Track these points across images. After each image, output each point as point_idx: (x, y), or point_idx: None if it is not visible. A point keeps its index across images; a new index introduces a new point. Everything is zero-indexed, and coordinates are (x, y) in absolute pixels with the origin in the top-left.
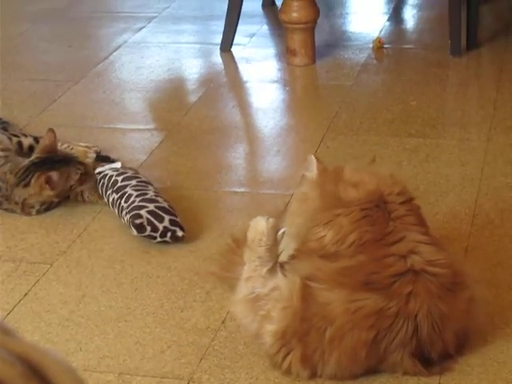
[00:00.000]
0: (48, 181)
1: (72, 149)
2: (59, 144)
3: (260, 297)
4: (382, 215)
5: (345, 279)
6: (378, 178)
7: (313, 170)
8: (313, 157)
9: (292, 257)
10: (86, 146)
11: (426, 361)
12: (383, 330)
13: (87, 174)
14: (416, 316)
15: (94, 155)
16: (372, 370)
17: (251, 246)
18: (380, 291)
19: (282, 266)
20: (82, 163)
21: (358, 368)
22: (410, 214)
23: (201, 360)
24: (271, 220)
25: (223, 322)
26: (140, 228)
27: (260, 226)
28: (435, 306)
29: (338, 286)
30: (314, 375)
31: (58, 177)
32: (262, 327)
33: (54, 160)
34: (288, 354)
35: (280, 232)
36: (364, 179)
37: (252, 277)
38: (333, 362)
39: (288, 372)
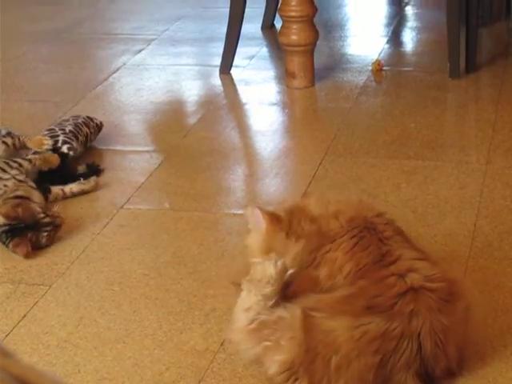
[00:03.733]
0: (17, 250)
1: (30, 140)
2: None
3: (266, 324)
4: (373, 237)
5: (346, 307)
6: (353, 203)
7: (259, 222)
8: (257, 209)
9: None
10: (42, 135)
11: (429, 379)
12: (389, 353)
13: (56, 229)
14: (419, 334)
15: (50, 142)
16: None
17: (256, 285)
18: (382, 313)
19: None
20: (48, 220)
21: None
22: (397, 233)
23: (199, 382)
24: (279, 263)
25: (222, 345)
26: None
27: (268, 269)
28: (437, 321)
29: (340, 314)
30: None
31: (26, 245)
32: (266, 356)
33: (20, 227)
34: (294, 382)
35: (289, 272)
36: (341, 207)
37: (254, 308)
38: None
39: None
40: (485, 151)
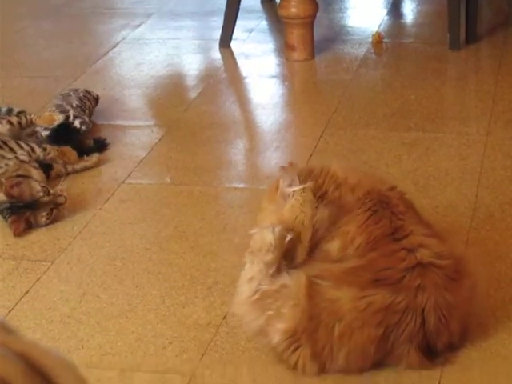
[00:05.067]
0: (11, 227)
1: (39, 117)
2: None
3: (268, 294)
4: (386, 211)
5: (353, 278)
6: (368, 176)
7: (295, 183)
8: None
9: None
10: (50, 110)
11: (431, 352)
12: (392, 325)
13: (57, 207)
14: (423, 309)
15: (61, 117)
16: (376, 364)
17: (256, 254)
18: (389, 286)
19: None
20: (47, 199)
21: (366, 363)
22: (409, 208)
23: (202, 356)
24: (277, 230)
25: (225, 318)
26: None
27: (267, 237)
28: (442, 297)
29: (346, 284)
30: (321, 371)
31: (20, 224)
32: (269, 325)
33: (19, 206)
34: (296, 350)
35: (287, 239)
36: (360, 181)
37: (256, 278)
38: (341, 357)
39: (295, 367)
40: (485, 122)
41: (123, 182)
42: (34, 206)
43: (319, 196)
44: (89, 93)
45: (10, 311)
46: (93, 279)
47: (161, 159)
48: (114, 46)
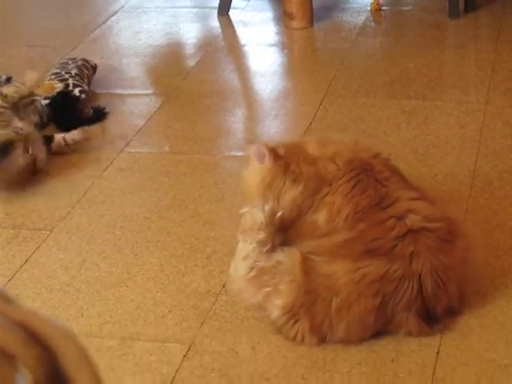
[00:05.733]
0: None
1: (39, 86)
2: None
3: (264, 271)
4: (371, 179)
5: (345, 251)
6: (349, 145)
7: (263, 158)
8: (262, 145)
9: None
10: (50, 79)
11: (430, 318)
12: (389, 294)
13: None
14: (420, 275)
15: (61, 86)
16: (376, 332)
17: (248, 233)
18: (382, 256)
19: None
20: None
21: (366, 333)
22: (394, 173)
23: (202, 324)
24: (267, 207)
25: (224, 287)
26: None
27: (258, 216)
28: (437, 261)
29: (340, 258)
30: (321, 342)
31: None
32: (267, 301)
33: None
34: (295, 324)
35: (278, 215)
36: (338, 149)
37: (251, 256)
38: (341, 329)
39: (294, 340)
40: (484, 91)
41: (122, 151)
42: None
43: (293, 179)
44: (87, 61)
45: (9, 280)
46: (92, 248)
47: (159, 128)
48: (112, 15)
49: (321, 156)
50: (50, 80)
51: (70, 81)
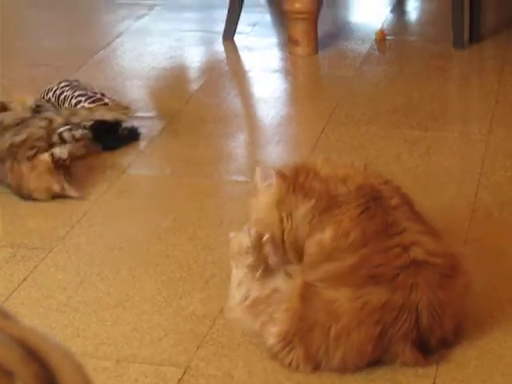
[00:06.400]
0: None
1: (11, 102)
2: None
3: (259, 300)
4: (380, 207)
5: (349, 277)
6: (359, 169)
7: (270, 178)
8: (266, 167)
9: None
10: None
11: (425, 348)
12: (388, 324)
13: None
14: (417, 307)
15: (32, 100)
16: (371, 361)
17: (237, 258)
18: (384, 284)
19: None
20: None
21: (362, 362)
22: (404, 203)
23: (198, 348)
24: (253, 231)
25: (221, 311)
26: None
27: (244, 241)
28: (434, 296)
29: (343, 285)
30: (316, 369)
31: None
32: (264, 330)
33: None
34: (290, 352)
35: (264, 238)
36: (349, 172)
37: (243, 282)
38: (338, 357)
39: (290, 367)
40: (487, 122)
41: (123, 173)
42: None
43: (304, 193)
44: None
45: (7, 299)
46: (90, 268)
47: (161, 151)
48: (117, 37)
49: (332, 176)
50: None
51: (107, 100)
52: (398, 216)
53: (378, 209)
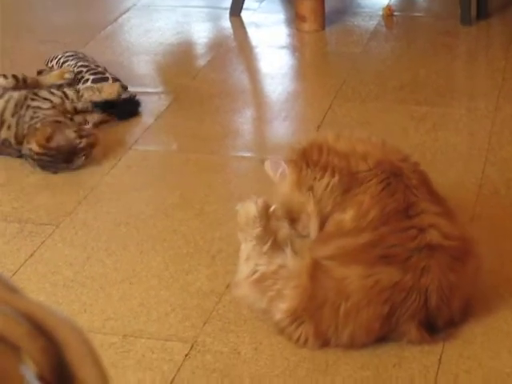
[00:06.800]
0: None
1: (49, 75)
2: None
3: (266, 275)
4: (400, 184)
5: (362, 255)
6: (378, 145)
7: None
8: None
9: (312, 242)
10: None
11: (432, 327)
12: (397, 303)
13: (92, 147)
14: (427, 289)
15: (71, 75)
16: (379, 338)
17: (245, 229)
18: (396, 265)
19: (292, 243)
20: (84, 145)
21: (370, 339)
22: (422, 182)
23: (205, 323)
24: (260, 200)
25: (228, 287)
26: None
27: (250, 210)
28: (445, 279)
29: (355, 262)
30: (325, 346)
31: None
32: (272, 306)
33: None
34: (299, 327)
35: (271, 209)
36: (368, 149)
37: (251, 256)
38: (346, 334)
39: (297, 342)
40: (494, 98)
41: (130, 148)
42: (73, 153)
43: (321, 167)
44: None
45: (14, 274)
46: (97, 244)
47: (168, 126)
48: (124, 13)
49: (351, 152)
50: (112, 79)
51: (107, 74)
52: (418, 196)
53: (399, 185)
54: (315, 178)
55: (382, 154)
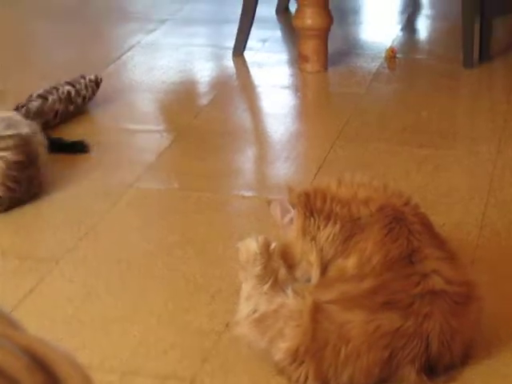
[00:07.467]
0: None
1: None
2: None
3: (266, 315)
4: (403, 229)
5: (365, 301)
6: (380, 190)
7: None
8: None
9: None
10: None
11: (431, 371)
12: (398, 349)
13: None
14: (428, 335)
15: None
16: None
17: (246, 267)
18: (398, 310)
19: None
20: None
21: (370, 382)
22: (425, 225)
23: (203, 362)
24: (261, 238)
25: (227, 325)
26: None
27: (251, 247)
28: (447, 324)
29: (358, 307)
30: None
31: None
32: (272, 345)
33: None
34: (299, 367)
35: (272, 246)
36: (370, 194)
37: (252, 295)
38: (346, 376)
39: (297, 381)
40: (496, 141)
41: (131, 186)
42: None
43: (325, 216)
44: (82, 77)
45: (13, 310)
46: (97, 281)
47: (169, 164)
48: (128, 50)
49: (352, 198)
50: None
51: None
52: (421, 241)
53: (402, 230)
54: (319, 228)
55: (384, 199)
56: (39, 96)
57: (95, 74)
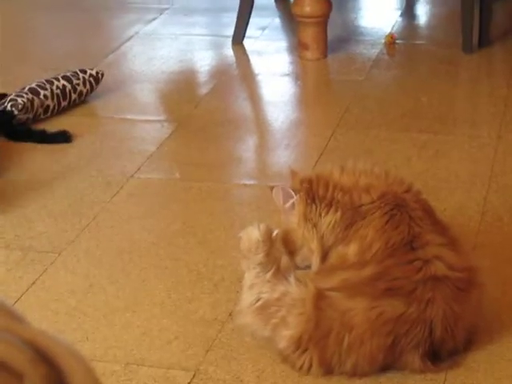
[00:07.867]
0: None
1: None
2: None
3: (270, 303)
4: (404, 216)
5: (367, 288)
6: (381, 177)
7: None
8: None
9: (314, 273)
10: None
11: (435, 356)
12: (401, 335)
13: None
14: (431, 321)
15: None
16: (382, 367)
17: (248, 256)
18: (401, 297)
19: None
20: None
21: (373, 369)
22: (427, 211)
23: (207, 352)
24: (263, 226)
25: (230, 315)
26: None
27: (253, 235)
28: (450, 310)
29: (360, 295)
30: (329, 373)
31: None
32: (275, 333)
33: None
34: (303, 354)
35: (274, 233)
36: (371, 181)
37: (255, 283)
38: (350, 364)
39: (301, 370)
40: (496, 126)
41: (132, 177)
42: None
43: (326, 203)
44: (82, 71)
45: (16, 302)
46: (100, 272)
47: (170, 154)
48: (127, 41)
49: (354, 186)
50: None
51: (12, 96)
52: (422, 227)
53: (404, 217)
54: (320, 215)
55: (386, 186)
56: (30, 90)
57: (97, 69)
